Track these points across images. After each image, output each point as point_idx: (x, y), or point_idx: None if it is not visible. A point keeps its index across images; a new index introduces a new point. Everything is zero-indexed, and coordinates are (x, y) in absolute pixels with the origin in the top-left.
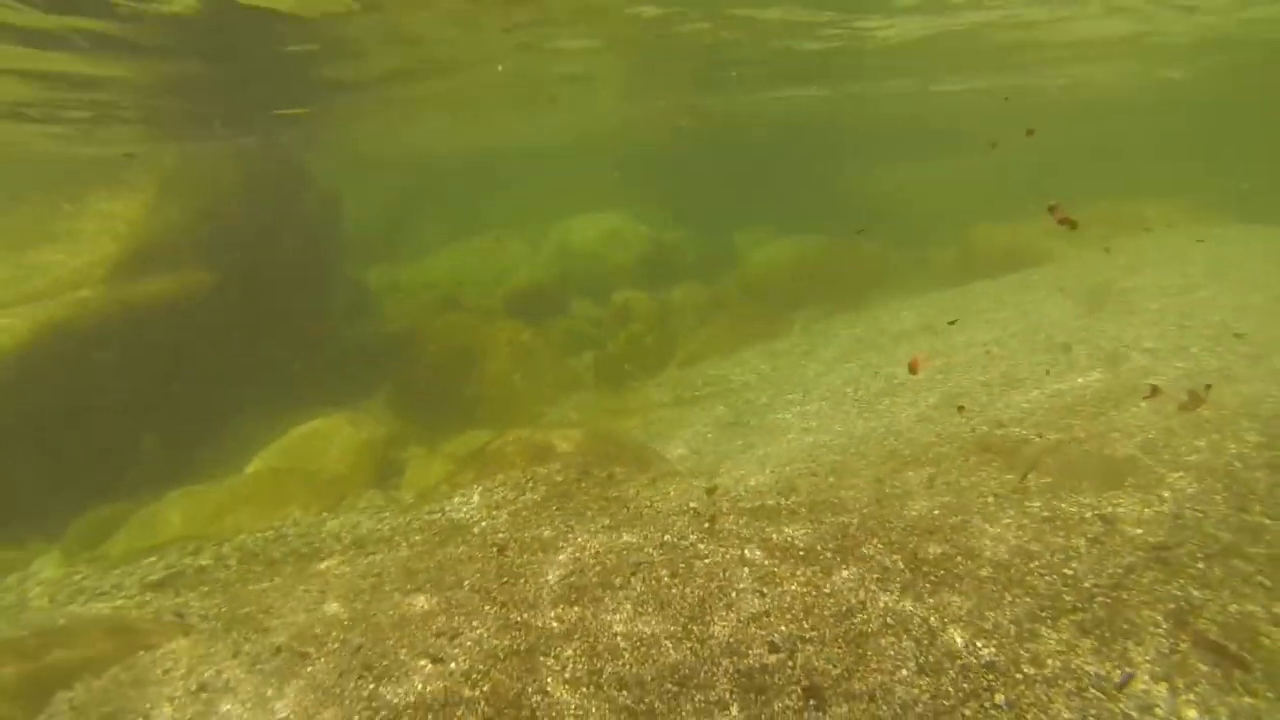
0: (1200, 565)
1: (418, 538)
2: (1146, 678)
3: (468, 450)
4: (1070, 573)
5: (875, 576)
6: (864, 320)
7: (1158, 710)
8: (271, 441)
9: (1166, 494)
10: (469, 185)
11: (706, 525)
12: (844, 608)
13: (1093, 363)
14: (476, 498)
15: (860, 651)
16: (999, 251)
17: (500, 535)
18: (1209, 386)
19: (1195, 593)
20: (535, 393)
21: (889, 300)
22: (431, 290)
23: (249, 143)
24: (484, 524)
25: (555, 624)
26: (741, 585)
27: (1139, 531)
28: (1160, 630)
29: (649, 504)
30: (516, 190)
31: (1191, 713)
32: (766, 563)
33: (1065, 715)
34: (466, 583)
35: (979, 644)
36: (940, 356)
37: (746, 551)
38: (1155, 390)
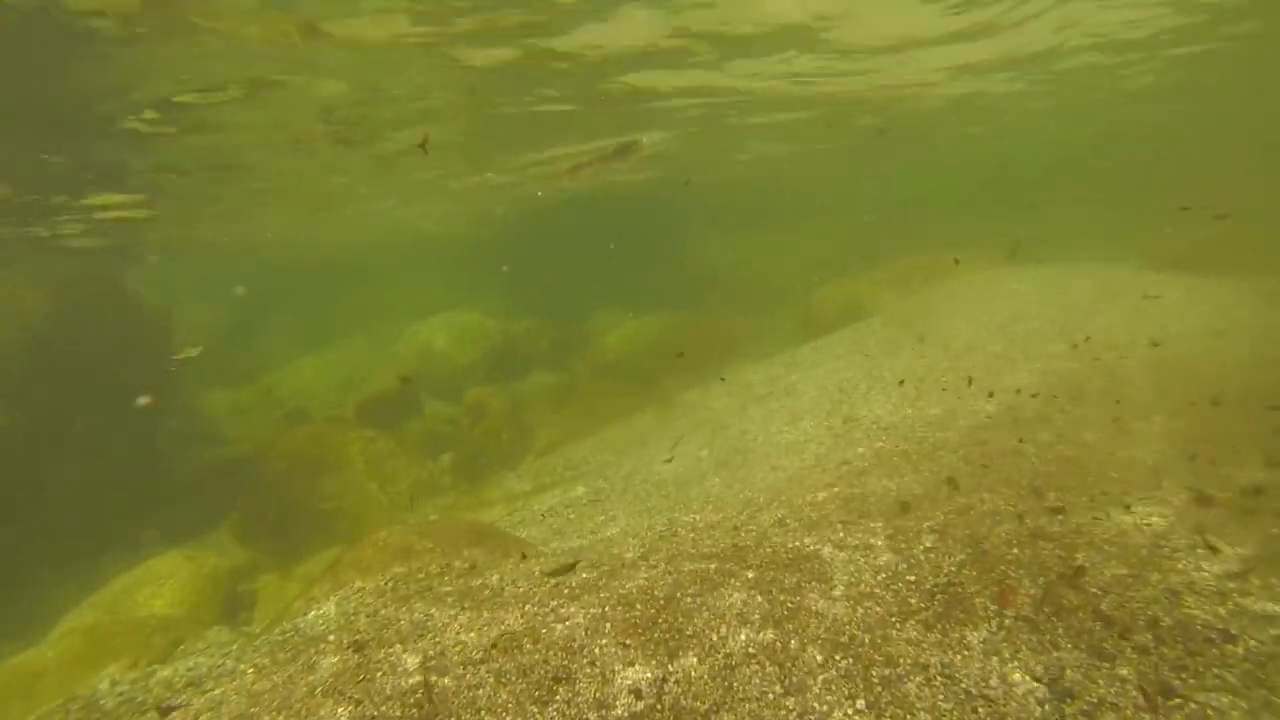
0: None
1: (265, 660)
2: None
3: (325, 566)
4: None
5: (735, 613)
6: (716, 389)
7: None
8: (91, 591)
9: None
10: (314, 292)
11: (566, 593)
12: (706, 646)
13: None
14: (332, 608)
15: (728, 684)
16: (837, 307)
17: (358, 636)
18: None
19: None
20: (394, 500)
21: (740, 366)
22: (278, 407)
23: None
24: (340, 631)
25: (414, 711)
26: (603, 642)
27: None
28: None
29: (511, 584)
30: (364, 294)
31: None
32: (627, 617)
33: (918, 702)
34: (318, 689)
35: (838, 657)
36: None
37: (608, 610)
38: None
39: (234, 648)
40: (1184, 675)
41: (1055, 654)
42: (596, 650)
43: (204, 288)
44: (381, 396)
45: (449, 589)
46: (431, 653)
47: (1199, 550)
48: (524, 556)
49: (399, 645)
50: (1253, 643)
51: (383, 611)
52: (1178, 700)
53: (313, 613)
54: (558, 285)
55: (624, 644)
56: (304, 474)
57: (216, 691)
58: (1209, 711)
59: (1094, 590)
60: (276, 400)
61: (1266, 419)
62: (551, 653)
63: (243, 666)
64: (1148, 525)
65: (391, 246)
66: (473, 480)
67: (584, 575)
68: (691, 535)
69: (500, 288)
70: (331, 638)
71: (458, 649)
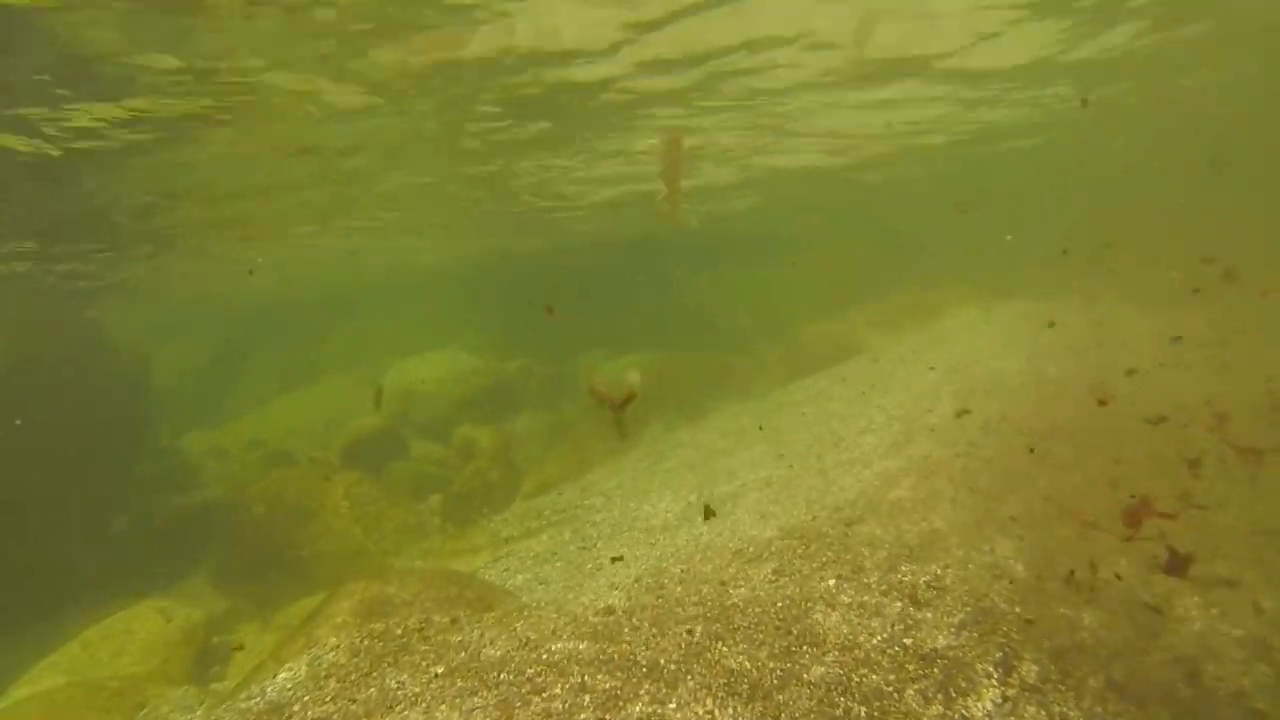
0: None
1: None
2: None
3: (303, 617)
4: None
5: (722, 683)
6: (704, 429)
7: None
8: (52, 650)
9: None
10: (297, 331)
11: (544, 659)
12: None
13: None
14: (304, 669)
15: None
16: (824, 345)
17: (323, 710)
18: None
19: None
20: (379, 544)
21: (728, 405)
22: (258, 449)
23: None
24: (306, 699)
25: None
26: (582, 716)
27: None
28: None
29: (489, 644)
30: (348, 332)
31: None
32: (608, 685)
33: None
34: None
35: None
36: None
37: (588, 678)
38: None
39: (198, 713)
40: None
41: None
42: None
43: (180, 328)
44: (367, 436)
45: (426, 648)
46: None
47: None
48: (506, 612)
49: None
50: None
51: (354, 676)
52: None
53: (283, 674)
54: (547, 325)
55: (603, 718)
56: (286, 518)
57: None
58: None
59: None
60: (257, 441)
61: None
62: None
63: None
64: None
65: (378, 285)
66: (461, 523)
67: (564, 637)
68: (679, 589)
69: (490, 327)
70: (296, 708)
71: None
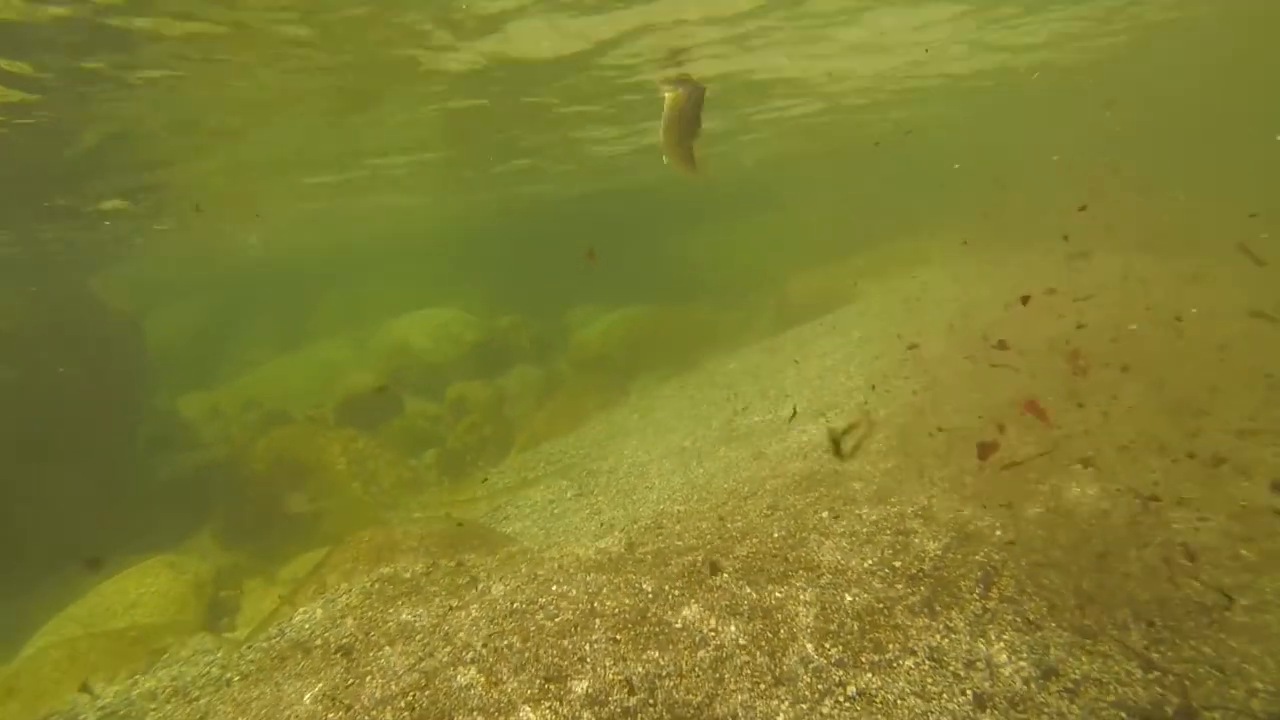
0: None
1: (252, 667)
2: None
3: (310, 568)
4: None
5: (724, 604)
6: (695, 380)
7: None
8: (69, 602)
9: None
10: (290, 293)
11: (554, 590)
12: (696, 639)
13: None
14: (319, 612)
15: (718, 677)
16: (814, 296)
17: (345, 640)
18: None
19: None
20: (377, 498)
21: (717, 356)
22: (255, 409)
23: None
24: (327, 634)
25: (406, 714)
26: (594, 638)
27: None
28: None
29: (499, 581)
30: (342, 293)
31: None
32: (617, 610)
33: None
34: (307, 696)
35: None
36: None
37: (597, 604)
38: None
39: (219, 655)
40: None
41: None
42: (587, 647)
43: (173, 290)
44: (361, 394)
45: (436, 588)
46: (421, 654)
47: None
48: (510, 554)
49: (388, 648)
50: None
51: (370, 614)
52: None
53: (299, 617)
54: (537, 280)
55: (614, 639)
56: (285, 475)
57: (203, 701)
58: None
59: None
60: (255, 402)
61: None
62: (543, 650)
63: (229, 674)
64: None
65: (370, 245)
66: (456, 477)
67: (570, 571)
68: (677, 527)
69: (481, 284)
70: (319, 642)
71: (447, 649)
